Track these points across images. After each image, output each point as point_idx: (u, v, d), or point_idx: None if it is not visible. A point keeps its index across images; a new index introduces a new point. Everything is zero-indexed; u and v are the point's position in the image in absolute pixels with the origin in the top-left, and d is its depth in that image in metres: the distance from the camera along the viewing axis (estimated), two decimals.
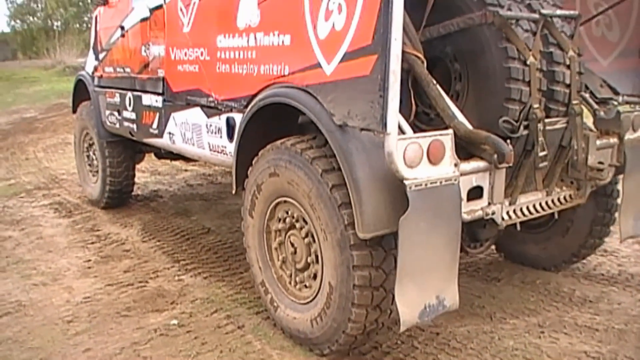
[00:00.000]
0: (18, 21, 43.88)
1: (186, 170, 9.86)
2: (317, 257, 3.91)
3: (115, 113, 6.89)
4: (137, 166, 9.76)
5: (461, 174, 3.42)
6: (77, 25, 41.03)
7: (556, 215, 4.57)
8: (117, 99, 6.81)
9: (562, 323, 4.53)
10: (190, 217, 7.40)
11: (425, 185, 3.21)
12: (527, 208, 4.03)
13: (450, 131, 3.40)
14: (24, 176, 10.03)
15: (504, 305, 4.84)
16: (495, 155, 3.50)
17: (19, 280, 5.57)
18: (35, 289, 5.38)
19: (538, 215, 4.14)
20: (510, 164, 3.58)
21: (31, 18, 43.29)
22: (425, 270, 3.28)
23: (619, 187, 4.61)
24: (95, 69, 7.38)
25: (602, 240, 5.21)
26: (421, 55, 3.61)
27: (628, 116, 4.37)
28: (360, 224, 3.37)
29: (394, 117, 3.03)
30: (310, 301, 4.05)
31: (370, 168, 3.38)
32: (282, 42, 3.98)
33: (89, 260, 6.03)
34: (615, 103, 4.52)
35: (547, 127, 3.91)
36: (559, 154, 4.15)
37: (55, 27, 43.45)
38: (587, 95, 4.48)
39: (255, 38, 4.27)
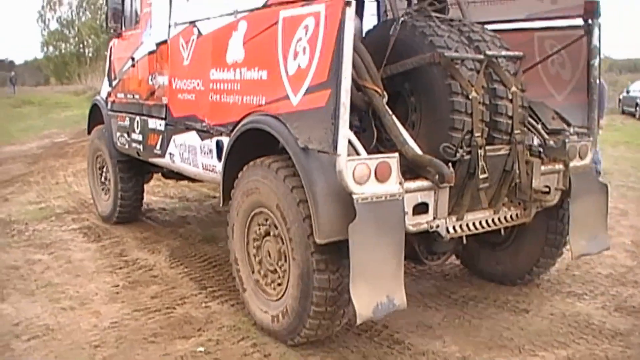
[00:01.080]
0: (51, 47, 44.97)
1: (214, 197, 9.82)
2: (286, 261, 4.51)
3: (125, 135, 7.51)
4: (166, 192, 9.88)
5: (406, 192, 4.06)
6: None
7: (502, 232, 5.05)
8: (127, 122, 7.50)
9: (592, 356, 4.46)
10: (218, 243, 7.36)
11: (371, 199, 3.85)
12: (474, 224, 4.60)
13: (396, 154, 4.04)
14: (54, 200, 10.10)
15: (532, 338, 4.78)
16: (437, 176, 4.14)
17: (48, 304, 5.60)
18: (63, 313, 5.41)
19: (485, 230, 4.70)
20: (451, 184, 4.20)
21: (64, 45, 44.25)
22: (375, 272, 3.80)
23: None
24: (109, 94, 8.11)
25: (554, 260, 5.74)
26: (380, 90, 4.31)
27: (574, 145, 5.05)
28: (317, 231, 3.97)
29: (343, 141, 3.70)
30: (279, 298, 4.67)
31: (327, 184, 4.00)
32: (261, 76, 4.69)
33: (117, 286, 6.05)
34: (567, 133, 5.15)
35: (490, 153, 4.51)
36: (503, 177, 4.71)
37: (87, 54, 44.22)
38: (539, 126, 5.16)
39: (240, 72, 5.00)
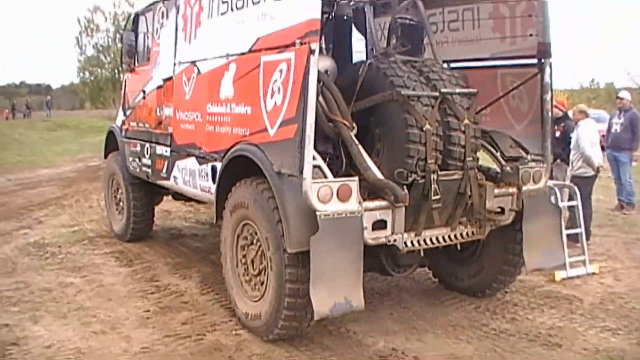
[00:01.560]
0: (87, 73, 45.62)
1: None
2: (265, 268, 5.18)
3: (137, 159, 8.28)
4: (198, 218, 9.92)
5: (365, 210, 4.74)
6: None
7: (461, 248, 5.69)
8: (138, 148, 8.21)
9: None
10: None
11: (333, 215, 4.53)
12: (431, 239, 5.27)
13: (356, 178, 4.75)
14: (87, 223, 10.18)
15: None
16: (393, 197, 4.80)
17: (79, 327, 5.62)
18: (94, 336, 5.42)
19: (441, 245, 5.31)
20: (405, 204, 4.83)
21: (99, 70, 44.82)
22: (334, 277, 4.45)
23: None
24: (123, 122, 8.84)
25: (513, 278, 6.31)
26: (348, 123, 5.06)
27: (527, 171, 5.69)
28: (288, 242, 4.68)
29: (308, 167, 4.40)
30: (259, 300, 5.34)
31: (296, 202, 4.64)
32: (247, 111, 5.40)
33: (148, 311, 6.05)
34: (525, 160, 5.77)
35: (443, 178, 5.15)
36: (458, 199, 5.34)
37: (121, 80, 44.75)
38: (497, 154, 5.80)
39: (230, 107, 5.71)
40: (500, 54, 6.25)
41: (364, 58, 6.53)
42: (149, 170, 7.83)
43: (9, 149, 25.85)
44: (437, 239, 5.34)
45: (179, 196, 8.27)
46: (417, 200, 5.09)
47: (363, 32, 6.80)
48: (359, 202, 4.74)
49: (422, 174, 5.08)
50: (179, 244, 8.66)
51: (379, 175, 4.96)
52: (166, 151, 7.22)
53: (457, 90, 5.41)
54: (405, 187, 4.92)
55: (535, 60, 5.80)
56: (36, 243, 8.82)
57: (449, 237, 5.44)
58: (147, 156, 7.85)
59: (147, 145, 7.87)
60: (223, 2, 5.82)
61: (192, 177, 6.53)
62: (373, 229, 4.86)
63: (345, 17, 6.49)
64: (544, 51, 5.74)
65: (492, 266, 6.25)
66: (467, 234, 5.53)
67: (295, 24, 4.60)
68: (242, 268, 5.60)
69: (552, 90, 5.75)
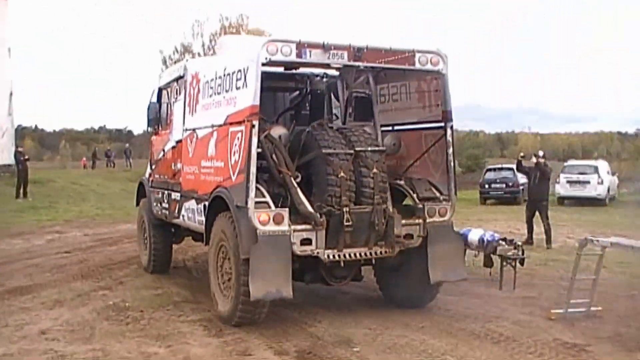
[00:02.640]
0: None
1: (347, 294, 9.63)
2: (232, 273, 7.89)
3: (159, 204, 11.21)
4: (294, 285, 9.88)
5: (295, 231, 7.53)
6: None
7: (374, 261, 8.51)
8: (160, 195, 11.20)
9: None
10: (353, 348, 7.07)
11: (269, 233, 7.37)
12: (350, 255, 7.89)
13: (287, 209, 7.54)
14: (171, 286, 10.14)
15: None
16: (314, 223, 7.66)
17: None
18: None
19: (360, 259, 8.04)
20: (322, 228, 7.63)
21: None
22: (268, 274, 7.21)
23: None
24: (150, 175, 12.03)
25: (432, 292, 8.86)
26: (290, 173, 7.89)
27: (433, 207, 8.39)
28: (241, 251, 7.50)
29: (251, 201, 7.25)
30: (228, 297, 8.02)
31: (246, 224, 7.45)
32: (221, 164, 8.27)
33: None
34: (439, 199, 8.52)
35: (356, 210, 7.82)
36: (370, 226, 7.97)
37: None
38: (414, 195, 8.51)
39: (213, 162, 8.61)
40: (423, 119, 8.97)
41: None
42: (167, 212, 10.68)
43: (86, 201, 27.47)
44: (355, 255, 7.99)
45: (198, 239, 10.35)
46: (335, 226, 7.81)
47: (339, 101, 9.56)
48: (289, 225, 7.58)
49: (337, 208, 7.83)
50: (274, 314, 8.24)
51: (308, 208, 7.76)
52: (177, 196, 10.07)
53: (369, 148, 8.21)
54: (324, 216, 7.75)
55: (442, 124, 8.42)
56: (116, 306, 8.79)
57: (365, 254, 8.07)
58: (166, 201, 10.75)
59: (166, 192, 10.79)
60: (210, 88, 8.79)
61: (193, 214, 9.37)
62: (301, 244, 7.70)
63: (318, 91, 9.66)
64: (446, 117, 8.35)
65: (415, 283, 8.72)
66: (380, 252, 8.15)
67: (245, 107, 7.54)
68: (220, 275, 8.30)
69: (453, 146, 8.33)
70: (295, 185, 7.88)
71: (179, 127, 10.09)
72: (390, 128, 9.42)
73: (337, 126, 8.77)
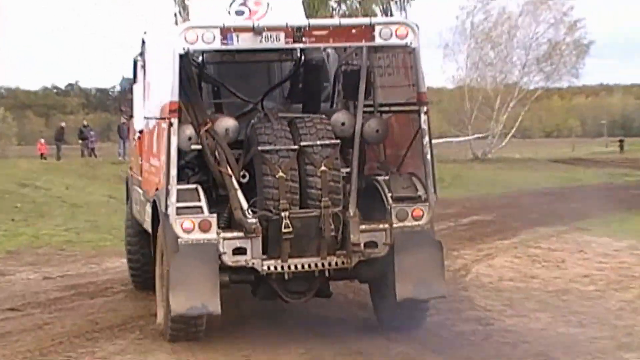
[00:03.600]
0: None
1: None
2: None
3: (136, 205, 10.78)
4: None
5: (225, 239, 7.44)
6: None
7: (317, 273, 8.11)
8: (135, 194, 10.74)
9: None
10: None
11: (192, 241, 7.38)
12: (296, 266, 7.60)
13: (215, 215, 7.47)
14: None
15: None
16: (244, 230, 7.48)
17: None
18: None
19: (309, 270, 7.72)
20: (256, 236, 7.46)
21: None
22: (192, 287, 7.32)
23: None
24: (130, 168, 11.62)
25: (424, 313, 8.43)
26: (233, 173, 7.81)
27: (404, 209, 7.75)
28: (165, 260, 7.87)
29: (172, 207, 7.35)
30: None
31: (171, 233, 7.58)
32: (158, 164, 8.49)
33: None
34: (418, 198, 7.96)
35: (300, 215, 7.51)
36: (318, 233, 7.57)
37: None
38: (389, 195, 7.87)
39: (154, 160, 8.94)
40: (412, 99, 8.09)
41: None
42: (139, 214, 10.14)
43: (47, 217, 19.15)
44: (302, 266, 7.63)
45: None
46: (274, 233, 7.52)
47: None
48: (217, 233, 7.48)
49: (275, 212, 7.51)
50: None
51: (240, 214, 7.54)
52: (142, 196, 9.68)
53: (318, 142, 7.75)
54: (263, 222, 7.56)
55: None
56: None
57: (317, 265, 7.69)
58: (138, 201, 10.09)
59: (138, 190, 10.13)
60: (156, 70, 8.58)
61: (148, 217, 9.00)
62: (233, 254, 7.54)
63: (314, 62, 8.68)
64: (420, 100, 7.75)
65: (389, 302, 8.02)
66: (335, 263, 7.71)
67: (166, 103, 7.62)
68: (161, 286, 8.41)
69: (429, 135, 7.69)
70: (236, 186, 7.68)
71: (139, 114, 9.80)
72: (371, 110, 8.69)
73: (289, 115, 8.25)
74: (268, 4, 9.60)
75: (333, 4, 39.52)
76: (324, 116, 8.24)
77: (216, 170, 7.84)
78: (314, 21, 7.83)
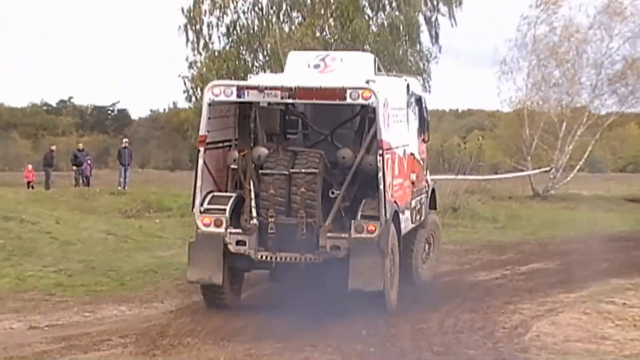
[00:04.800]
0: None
1: None
2: None
3: None
4: None
5: (231, 233, 12.67)
6: None
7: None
8: None
9: None
10: None
11: (207, 233, 12.86)
12: (281, 258, 12.70)
13: (226, 215, 12.83)
14: None
15: None
16: (242, 229, 12.81)
17: None
18: None
19: (292, 262, 12.66)
20: (250, 234, 12.69)
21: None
22: (203, 264, 12.75)
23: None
24: None
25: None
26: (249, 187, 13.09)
27: (360, 224, 12.33)
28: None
29: (196, 208, 12.91)
30: None
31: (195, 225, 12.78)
32: None
33: None
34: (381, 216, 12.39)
35: (283, 222, 12.64)
36: (297, 236, 12.38)
37: None
38: (359, 213, 12.53)
39: None
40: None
41: None
42: None
43: (34, 255, 18.81)
44: (285, 258, 12.50)
45: None
46: (263, 233, 12.41)
47: None
48: (226, 229, 12.38)
49: (265, 218, 12.39)
50: None
51: (243, 217, 12.70)
52: None
53: (303, 170, 12.47)
54: (259, 224, 12.53)
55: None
56: None
57: (296, 258, 12.48)
58: None
59: None
60: None
61: None
62: (236, 245, 12.42)
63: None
64: (378, 146, 12.57)
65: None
66: (308, 258, 12.40)
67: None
68: None
69: (384, 172, 12.34)
70: (252, 197, 12.56)
71: None
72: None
73: (296, 149, 13.08)
74: (341, 60, 14.56)
75: (369, 12, 38.86)
76: (320, 151, 12.76)
77: (244, 184, 12.60)
78: (302, 84, 12.46)
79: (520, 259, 19.65)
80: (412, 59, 37.46)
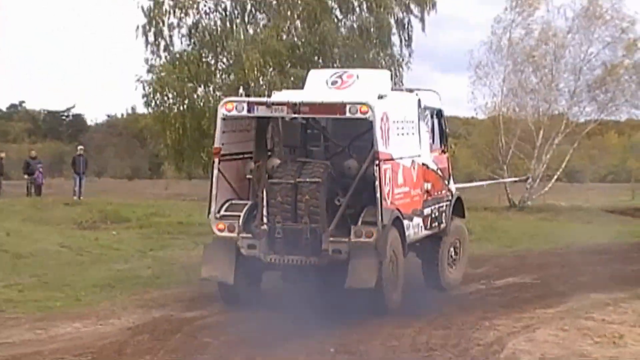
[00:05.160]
0: (167, 98, 42.16)
1: None
2: None
3: None
4: None
5: (243, 238, 14.42)
6: None
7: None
8: None
9: None
10: None
11: (221, 237, 14.80)
12: (289, 260, 14.22)
13: (239, 220, 14.64)
14: None
15: None
16: (252, 234, 14.40)
17: None
18: None
19: (297, 264, 14.11)
20: (259, 239, 14.28)
21: (197, 93, 41.56)
22: (216, 264, 14.59)
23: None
24: None
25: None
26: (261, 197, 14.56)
27: (360, 229, 13.91)
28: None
29: (212, 215, 14.88)
30: None
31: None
32: None
33: None
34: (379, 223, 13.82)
35: (289, 227, 14.17)
36: (302, 241, 13.94)
37: None
38: (360, 219, 14.22)
39: None
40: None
41: None
42: None
43: None
44: (292, 260, 13.86)
45: None
46: (271, 237, 13.93)
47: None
48: (238, 233, 14.11)
49: (272, 224, 13.89)
50: None
51: (254, 223, 14.25)
52: None
53: (308, 179, 13.81)
54: (268, 229, 13.97)
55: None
56: None
57: (302, 261, 13.81)
58: None
59: None
60: None
61: None
62: (248, 248, 14.07)
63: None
64: (374, 157, 14.00)
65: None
66: (312, 261, 13.74)
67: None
68: None
69: (380, 182, 13.71)
70: (264, 205, 13.91)
71: None
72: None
73: (304, 160, 14.55)
74: (358, 77, 15.85)
75: (338, 13, 38.64)
76: (326, 162, 14.23)
77: (258, 193, 13.94)
78: (306, 100, 14.10)
79: (496, 273, 19.77)
80: (383, 62, 36.38)
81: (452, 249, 17.43)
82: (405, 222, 14.68)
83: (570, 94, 46.04)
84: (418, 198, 15.67)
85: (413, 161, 15.49)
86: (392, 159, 14.24)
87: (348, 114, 13.58)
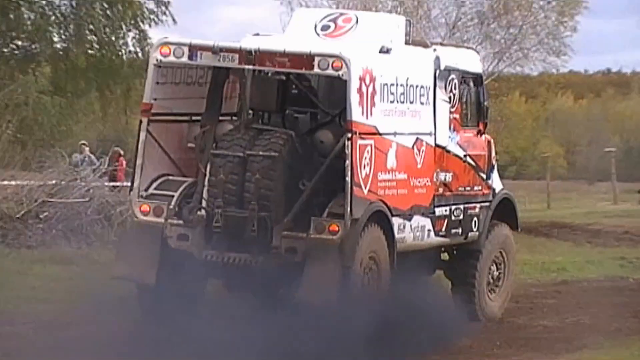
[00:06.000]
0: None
1: None
2: None
3: None
4: None
5: (171, 225, 10.82)
6: None
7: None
8: None
9: None
10: None
11: (144, 221, 11.20)
12: (229, 258, 10.68)
13: (166, 202, 11.01)
14: None
15: None
16: (183, 220, 10.92)
17: None
18: None
19: (239, 263, 10.61)
20: (192, 226, 10.74)
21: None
22: (133, 259, 10.98)
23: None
24: None
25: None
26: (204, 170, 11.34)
27: (321, 223, 10.45)
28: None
29: (134, 192, 11.24)
30: None
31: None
32: None
33: None
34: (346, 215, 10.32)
35: (231, 213, 10.57)
36: (246, 233, 10.43)
37: None
38: (327, 210, 10.71)
39: None
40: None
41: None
42: None
43: None
44: (234, 259, 10.47)
45: None
46: (209, 227, 10.47)
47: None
48: (165, 219, 10.50)
49: (211, 209, 10.45)
50: None
51: (187, 206, 10.79)
52: None
53: (261, 152, 10.37)
54: (205, 215, 10.62)
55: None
56: None
57: (248, 261, 10.46)
58: None
59: None
60: None
61: None
62: (178, 239, 10.51)
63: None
64: (346, 127, 10.50)
65: None
66: (259, 262, 10.40)
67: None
68: None
69: (351, 160, 10.18)
70: (205, 183, 10.87)
71: None
72: None
73: (262, 127, 11.23)
74: (357, 21, 12.05)
75: None
76: (290, 131, 10.97)
77: (199, 167, 10.96)
78: (263, 47, 10.59)
79: None
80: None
81: (493, 268, 13.40)
82: (396, 220, 11.21)
83: (449, 27, 30.04)
84: (424, 191, 12.01)
85: (419, 140, 11.83)
86: (376, 133, 10.88)
87: (317, 69, 10.34)
